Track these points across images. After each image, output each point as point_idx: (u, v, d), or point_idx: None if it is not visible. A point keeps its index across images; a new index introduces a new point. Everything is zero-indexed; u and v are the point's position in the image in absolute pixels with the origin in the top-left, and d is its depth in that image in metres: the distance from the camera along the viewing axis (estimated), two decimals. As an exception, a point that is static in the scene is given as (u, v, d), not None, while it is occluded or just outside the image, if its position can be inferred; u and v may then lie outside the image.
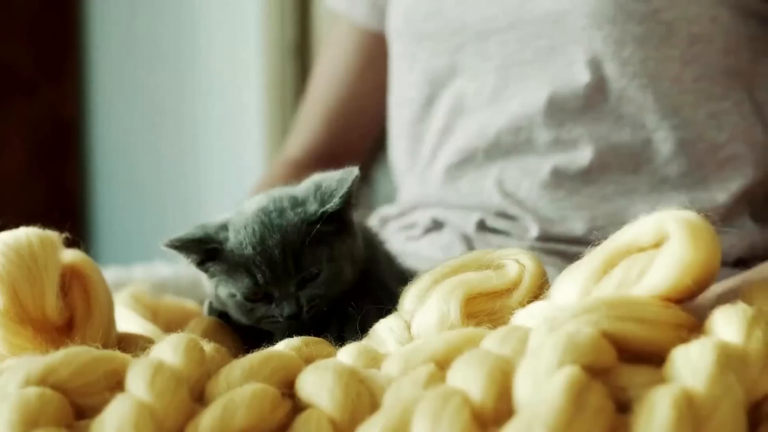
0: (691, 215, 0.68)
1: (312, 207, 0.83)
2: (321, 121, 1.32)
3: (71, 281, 0.83)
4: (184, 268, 1.34)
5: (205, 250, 0.84)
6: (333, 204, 0.82)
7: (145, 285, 1.12)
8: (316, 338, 0.77)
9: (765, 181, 1.05)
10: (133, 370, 0.66)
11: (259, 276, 0.82)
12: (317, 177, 0.86)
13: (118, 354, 0.70)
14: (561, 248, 1.02)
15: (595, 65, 1.03)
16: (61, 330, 0.82)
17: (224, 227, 0.84)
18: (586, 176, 1.04)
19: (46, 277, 0.80)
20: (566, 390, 0.57)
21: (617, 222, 1.01)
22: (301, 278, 0.82)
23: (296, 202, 0.84)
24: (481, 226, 1.07)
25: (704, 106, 1.03)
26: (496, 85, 1.09)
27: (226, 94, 2.14)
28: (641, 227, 0.71)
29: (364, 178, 1.40)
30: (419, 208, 1.14)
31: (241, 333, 0.87)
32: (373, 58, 1.29)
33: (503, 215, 1.07)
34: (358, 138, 1.33)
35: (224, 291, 0.85)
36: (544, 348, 0.61)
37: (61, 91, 2.37)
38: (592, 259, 0.73)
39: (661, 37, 1.01)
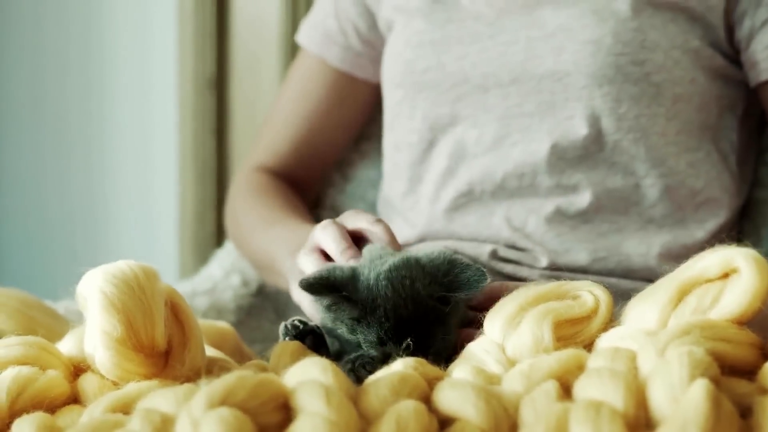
0: (753, 252, 0.82)
1: (435, 288, 0.92)
2: (289, 146, 1.39)
3: (167, 310, 0.89)
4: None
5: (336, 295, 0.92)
6: (455, 299, 0.92)
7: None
8: (421, 359, 0.86)
9: (733, 219, 1.22)
10: (305, 391, 0.73)
11: (381, 333, 0.90)
12: (448, 254, 0.94)
13: (274, 377, 0.76)
14: (568, 276, 1.13)
15: (594, 119, 1.17)
16: (161, 355, 0.87)
17: (355, 277, 0.92)
18: (584, 216, 1.18)
19: (155, 306, 0.86)
20: (706, 398, 0.69)
21: (616, 254, 1.17)
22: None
23: (424, 274, 0.92)
24: (494, 255, 1.18)
25: (684, 156, 1.19)
26: (497, 133, 1.20)
27: (139, 128, 2.15)
28: (708, 261, 0.84)
29: (323, 205, 1.49)
30: (428, 240, 1.23)
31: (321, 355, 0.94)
32: (344, 97, 1.38)
33: (513, 247, 1.18)
34: (321, 165, 1.43)
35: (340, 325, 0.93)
36: (672, 364, 0.73)
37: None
38: (665, 288, 0.85)
39: (652, 96, 1.16)
